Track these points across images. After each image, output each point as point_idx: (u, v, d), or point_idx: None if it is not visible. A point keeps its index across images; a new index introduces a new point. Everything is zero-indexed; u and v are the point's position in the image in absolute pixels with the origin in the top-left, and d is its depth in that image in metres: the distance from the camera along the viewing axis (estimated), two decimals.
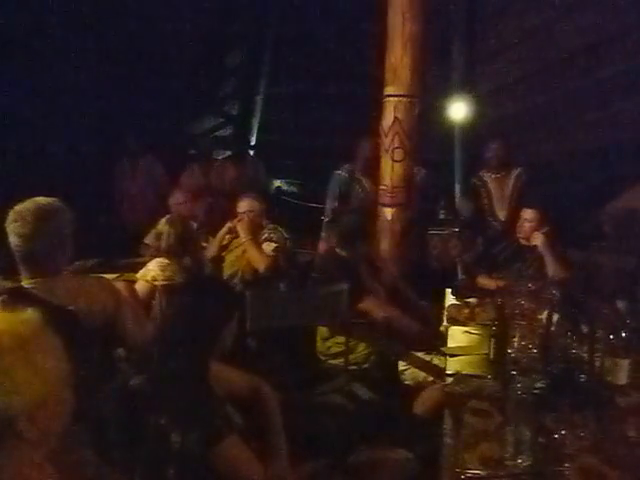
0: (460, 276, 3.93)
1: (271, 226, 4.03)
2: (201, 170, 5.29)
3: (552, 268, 3.65)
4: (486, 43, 6.05)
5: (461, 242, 4.61)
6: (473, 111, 5.81)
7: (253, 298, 3.11)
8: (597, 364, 2.14)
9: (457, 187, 6.20)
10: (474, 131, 6.05)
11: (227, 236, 4.03)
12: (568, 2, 5.18)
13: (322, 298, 3.24)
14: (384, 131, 3.70)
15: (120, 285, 2.63)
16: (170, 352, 1.78)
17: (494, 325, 2.44)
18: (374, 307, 3.15)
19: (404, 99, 3.63)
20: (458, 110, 5.80)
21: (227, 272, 4.04)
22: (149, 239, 3.51)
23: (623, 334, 2.18)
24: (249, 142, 7.14)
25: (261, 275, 3.96)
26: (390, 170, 3.70)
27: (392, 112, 3.65)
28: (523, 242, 3.89)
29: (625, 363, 2.12)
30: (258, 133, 7.24)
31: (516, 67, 5.79)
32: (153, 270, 3.15)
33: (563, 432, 1.60)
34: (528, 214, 3.84)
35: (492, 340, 2.39)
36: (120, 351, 2.39)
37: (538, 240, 3.74)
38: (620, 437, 1.79)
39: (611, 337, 2.16)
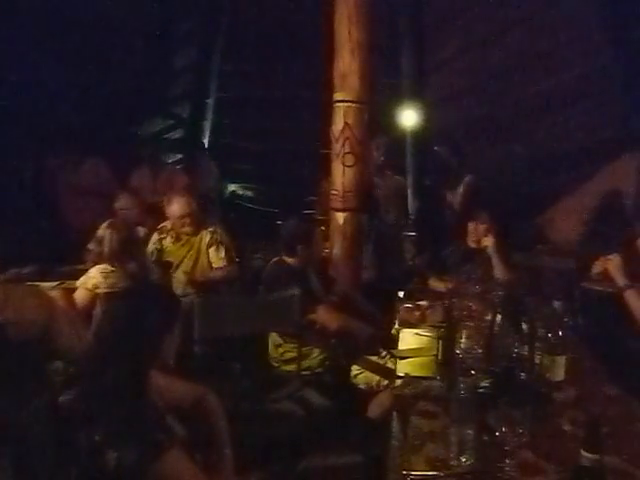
0: (412, 278, 4.03)
1: (211, 229, 4.02)
2: (150, 173, 5.23)
3: (499, 270, 3.78)
4: (434, 52, 6.23)
5: (416, 245, 4.75)
6: (423, 118, 6.00)
7: (202, 304, 3.11)
8: (537, 362, 2.24)
9: (409, 191, 6.35)
10: (424, 137, 6.24)
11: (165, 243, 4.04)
12: (514, 14, 5.38)
13: (273, 304, 3.26)
14: (335, 136, 3.76)
15: (56, 294, 2.58)
16: (108, 363, 1.73)
17: (443, 327, 2.52)
18: (325, 316, 3.19)
19: (354, 105, 3.70)
20: (408, 117, 5.98)
21: (176, 278, 4.04)
22: (92, 244, 3.46)
23: (560, 332, 2.29)
24: (200, 145, 7.10)
25: (212, 281, 3.98)
26: (341, 175, 3.76)
27: (342, 117, 3.72)
28: (472, 245, 4.02)
29: (562, 360, 2.23)
30: (210, 136, 7.22)
31: (463, 76, 5.98)
32: (94, 277, 3.10)
33: (504, 429, 1.67)
34: (478, 218, 3.97)
35: (440, 342, 2.47)
36: (58, 365, 2.33)
37: (488, 243, 3.87)
38: (557, 431, 1.89)
39: (549, 335, 2.27)
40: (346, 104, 3.71)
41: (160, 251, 4.04)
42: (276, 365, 3.32)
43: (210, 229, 4.02)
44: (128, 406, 1.64)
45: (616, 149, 5.04)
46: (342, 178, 3.77)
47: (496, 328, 2.43)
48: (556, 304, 2.49)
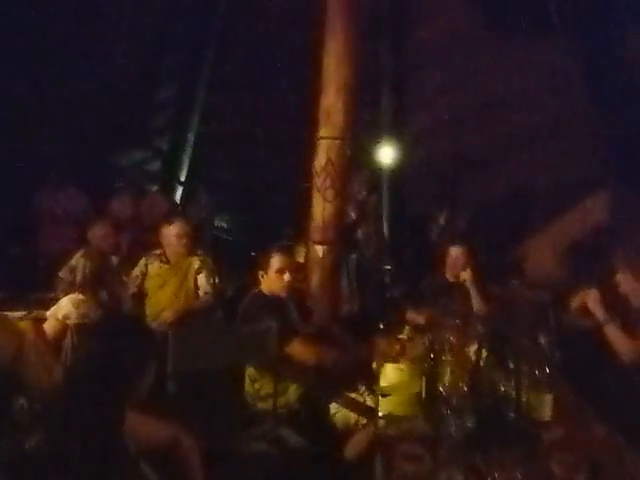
0: (391, 311, 3.95)
1: (201, 256, 4.05)
2: (127, 203, 5.16)
3: (477, 304, 3.72)
4: (414, 91, 6.30)
5: (393, 278, 4.68)
6: (401, 154, 6.02)
7: (176, 338, 2.96)
8: (523, 400, 2.15)
9: (387, 225, 6.32)
10: (402, 173, 6.26)
11: (151, 267, 3.96)
12: (490, 56, 5.48)
13: (249, 336, 3.13)
14: (317, 171, 3.74)
15: (25, 325, 2.42)
16: (80, 402, 1.57)
17: (425, 362, 2.42)
18: (302, 350, 3.06)
19: (336, 141, 3.69)
20: (387, 153, 6.01)
21: (151, 310, 3.89)
22: (63, 273, 3.30)
23: (547, 369, 2.20)
24: (178, 177, 7.00)
25: (188, 313, 3.85)
26: (322, 209, 3.72)
27: (325, 153, 3.70)
28: (450, 278, 3.96)
29: (549, 398, 2.14)
30: (188, 168, 7.12)
31: (442, 114, 6.05)
32: (65, 307, 2.94)
33: (496, 475, 1.56)
34: (456, 251, 3.92)
35: (423, 378, 2.36)
36: (22, 402, 2.14)
37: (466, 276, 3.81)
38: (546, 474, 1.78)
39: (536, 372, 2.18)
40: (329, 140, 3.69)
41: (145, 276, 4.00)
42: (251, 402, 3.16)
43: (200, 256, 4.05)
44: (100, 453, 1.48)
45: (590, 185, 5.10)
46: (322, 212, 3.73)
47: (481, 364, 2.34)
48: (541, 339, 2.41)
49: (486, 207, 5.70)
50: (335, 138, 3.70)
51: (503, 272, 5.03)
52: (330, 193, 3.71)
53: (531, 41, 5.10)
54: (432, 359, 2.44)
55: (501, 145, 5.67)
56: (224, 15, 6.54)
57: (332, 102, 3.68)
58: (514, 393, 2.17)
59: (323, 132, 3.74)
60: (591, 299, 3.09)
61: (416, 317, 3.70)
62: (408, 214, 6.37)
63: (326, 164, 3.69)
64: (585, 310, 3.12)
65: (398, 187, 6.49)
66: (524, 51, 5.23)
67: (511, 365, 2.25)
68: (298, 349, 3.04)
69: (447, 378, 2.32)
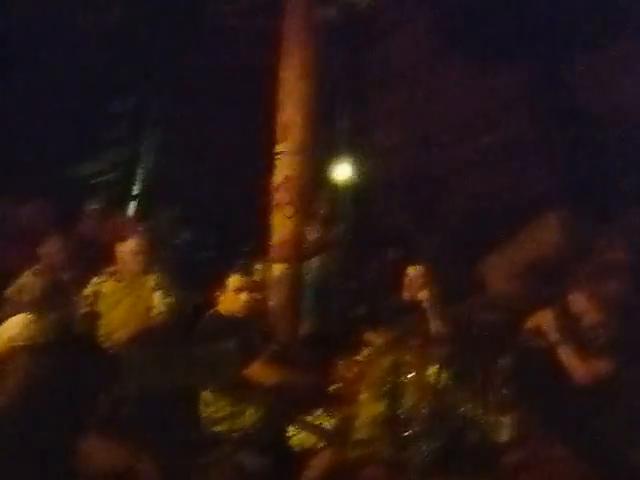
0: (350, 332, 3.92)
1: (157, 273, 3.94)
2: (79, 217, 5.01)
3: (436, 324, 3.72)
4: (373, 108, 6.38)
5: (354, 297, 4.67)
6: (361, 171, 6.08)
7: (131, 359, 2.88)
8: (484, 422, 2.16)
9: (346, 243, 6.33)
10: (362, 190, 6.31)
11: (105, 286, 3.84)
12: (447, 76, 5.61)
13: (206, 357, 3.06)
14: (275, 187, 3.69)
15: None
16: (30, 428, 1.48)
17: (385, 384, 2.41)
18: (261, 371, 3.01)
19: (295, 157, 3.67)
20: (346, 170, 6.06)
21: (104, 330, 3.77)
22: (11, 292, 3.15)
23: (504, 391, 2.23)
24: (133, 191, 6.85)
25: (143, 333, 3.74)
26: (281, 226, 3.68)
27: (283, 168, 3.68)
28: (408, 298, 3.97)
29: (507, 420, 2.16)
30: (144, 182, 6.98)
31: (399, 133, 6.14)
32: (12, 328, 2.80)
33: None
34: (414, 271, 3.94)
35: (384, 400, 2.34)
36: None
37: (424, 297, 3.83)
38: None
39: (494, 394, 2.20)
40: (287, 155, 3.67)
41: (97, 295, 3.85)
42: (207, 425, 3.08)
43: (156, 274, 3.94)
44: (54, 477, 1.43)
45: (543, 206, 5.24)
46: (281, 229, 3.68)
47: (441, 386, 2.35)
48: (500, 361, 2.44)
49: (446, 226, 5.78)
50: (294, 153, 3.68)
51: (462, 292, 5.11)
52: (289, 209, 3.68)
53: (487, 64, 5.24)
54: (391, 381, 2.44)
55: (458, 165, 5.78)
56: (181, 26, 6.49)
57: (290, 117, 3.67)
58: (475, 415, 2.17)
59: (281, 147, 3.72)
60: (545, 320, 3.15)
61: (375, 338, 3.69)
62: (369, 232, 6.39)
63: (285, 180, 3.67)
64: (540, 331, 3.18)
65: (359, 205, 6.53)
66: (480, 73, 5.37)
67: (471, 387, 2.26)
68: (257, 371, 3.00)
69: (407, 401, 2.31)
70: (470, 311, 4.90)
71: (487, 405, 2.16)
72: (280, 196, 3.66)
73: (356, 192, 6.31)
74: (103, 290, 3.87)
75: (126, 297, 3.86)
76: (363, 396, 2.72)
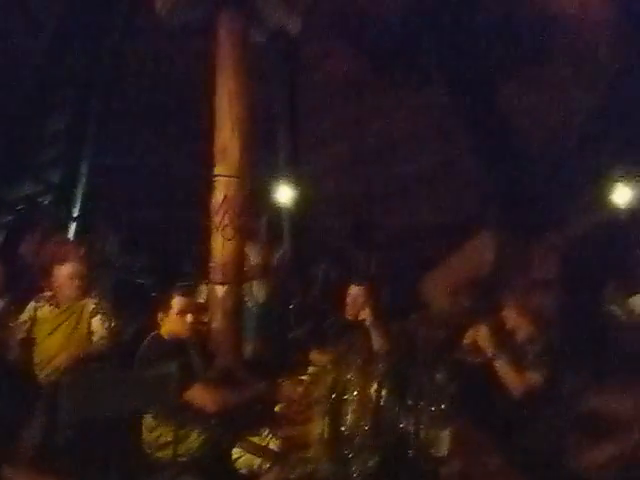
0: (294, 351, 3.95)
1: (97, 298, 3.86)
2: (15, 240, 4.84)
3: (378, 342, 3.80)
4: (309, 131, 6.50)
5: (295, 316, 4.69)
6: (300, 193, 6.16)
7: (68, 387, 2.78)
8: (422, 436, 2.22)
9: (289, 264, 6.36)
10: (301, 212, 6.39)
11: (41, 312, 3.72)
12: (381, 102, 5.80)
13: (148, 382, 3.01)
14: (214, 209, 3.70)
15: None
16: None
17: (328, 402, 2.43)
18: (203, 394, 2.98)
19: (233, 179, 3.69)
20: (285, 192, 6.13)
21: (40, 357, 3.64)
22: None
23: (442, 405, 2.30)
24: (71, 212, 6.67)
25: (81, 360, 3.64)
26: (221, 248, 3.68)
27: (222, 191, 3.68)
28: (351, 317, 4.03)
29: (445, 433, 2.23)
30: (82, 204, 6.81)
31: (337, 154, 6.28)
32: None
33: None
34: (356, 290, 4.01)
35: (325, 418, 2.37)
36: None
37: (365, 315, 3.90)
38: None
39: (432, 408, 2.27)
40: (226, 178, 3.69)
41: (34, 321, 3.72)
42: (149, 452, 3.02)
43: (95, 298, 3.86)
44: None
45: (476, 225, 5.45)
46: (222, 251, 3.68)
47: (381, 402, 2.39)
48: (438, 376, 2.51)
49: (385, 244, 5.92)
50: (231, 176, 3.70)
51: (406, 309, 5.23)
52: (229, 231, 3.68)
53: (416, 89, 5.46)
54: (334, 399, 2.47)
55: (394, 185, 5.95)
56: (115, 45, 6.42)
57: (227, 140, 3.70)
58: (413, 430, 2.23)
59: (219, 169, 3.74)
60: (481, 335, 3.29)
61: (319, 357, 3.72)
62: (310, 253, 6.48)
63: (223, 202, 3.68)
64: (476, 346, 3.31)
65: (299, 226, 6.61)
66: (411, 98, 5.58)
67: (409, 402, 2.32)
68: (199, 394, 2.96)
69: (349, 417, 2.35)
70: (412, 328, 5.04)
71: (425, 419, 2.21)
72: (219, 218, 3.66)
73: (296, 213, 6.38)
74: (39, 316, 3.75)
75: (63, 323, 3.75)
76: (306, 415, 2.74)
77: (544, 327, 3.33)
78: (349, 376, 2.96)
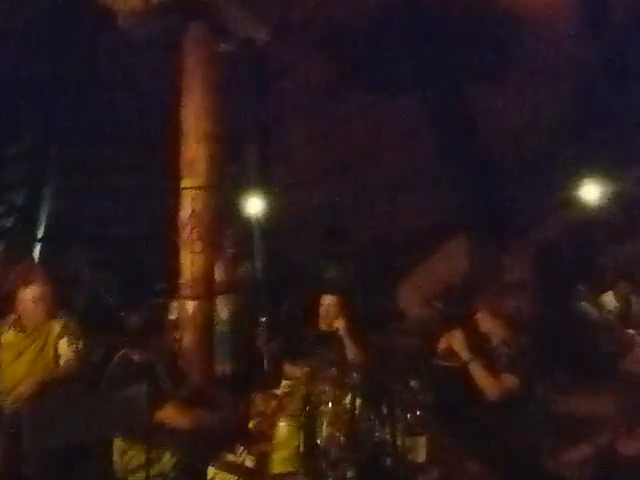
0: (267, 365, 3.89)
1: (64, 319, 3.73)
2: None
3: (352, 352, 3.76)
4: (277, 143, 6.48)
5: (268, 330, 4.62)
6: (269, 206, 6.10)
7: (33, 414, 2.68)
8: (399, 444, 2.18)
9: (259, 277, 6.30)
10: (271, 224, 6.33)
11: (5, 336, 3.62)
12: (347, 113, 5.81)
13: (116, 404, 2.90)
14: (182, 223, 3.62)
15: None
16: None
17: (302, 415, 2.38)
18: (175, 414, 2.89)
19: (201, 191, 3.60)
20: (254, 205, 6.06)
21: (5, 384, 3.54)
22: None
23: (418, 412, 2.27)
24: (35, 234, 6.50)
25: (48, 384, 3.51)
26: (190, 262, 3.58)
27: (189, 204, 3.60)
28: (324, 328, 3.99)
29: (422, 440, 2.20)
30: (47, 225, 6.65)
31: (305, 166, 6.26)
32: None
33: None
34: (328, 300, 3.97)
35: (301, 432, 2.32)
36: None
37: (339, 325, 3.86)
38: None
39: (408, 416, 2.24)
40: (193, 190, 3.60)
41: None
42: (121, 477, 2.91)
43: (62, 320, 3.72)
44: None
45: (449, 232, 5.47)
46: (191, 265, 3.59)
47: (356, 412, 2.35)
48: (413, 383, 2.48)
49: (357, 254, 5.90)
50: (199, 188, 3.61)
51: (379, 319, 5.21)
52: (198, 245, 3.59)
53: (384, 96, 5.47)
54: (308, 412, 2.42)
55: (364, 195, 5.95)
56: (80, 64, 6.30)
57: (194, 152, 3.62)
58: (390, 439, 2.19)
59: (186, 182, 3.65)
60: (456, 340, 3.27)
61: (293, 370, 3.67)
62: (282, 265, 6.41)
63: (191, 215, 3.59)
64: (451, 351, 3.29)
65: (270, 239, 6.54)
66: (379, 105, 5.60)
67: (385, 411, 2.29)
68: (171, 414, 2.87)
69: (325, 430, 2.30)
70: (389, 337, 5.02)
71: (401, 427, 2.18)
72: (187, 232, 3.59)
73: (266, 226, 6.33)
74: (3, 341, 3.64)
75: (29, 347, 3.63)
76: (281, 430, 2.67)
77: (518, 330, 3.33)
78: (325, 388, 2.93)
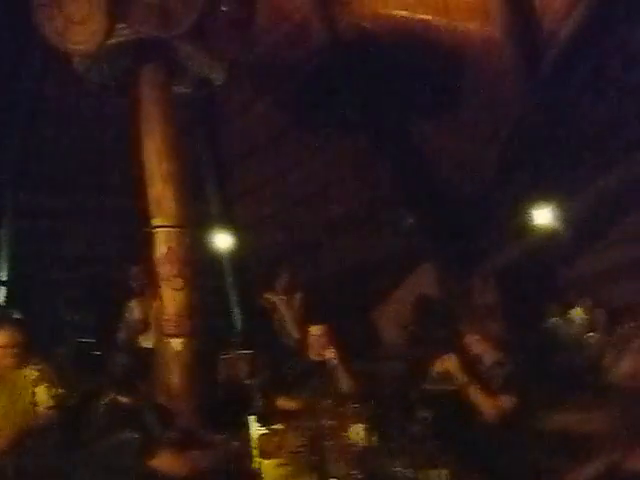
0: (258, 400, 3.67)
1: (39, 365, 3.41)
2: None
3: (345, 382, 3.61)
4: (236, 183, 6.41)
5: (251, 364, 4.40)
6: (236, 241, 5.99)
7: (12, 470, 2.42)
8: (417, 477, 2.05)
9: (236, 310, 6.12)
10: (241, 257, 6.20)
11: None
12: (301, 152, 5.79)
13: (105, 454, 2.65)
14: (159, 261, 3.52)
15: None
16: None
17: (309, 453, 2.21)
18: (170, 461, 2.67)
19: (173, 229, 3.56)
20: (222, 240, 5.97)
21: None
22: None
23: (430, 443, 2.15)
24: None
25: (25, 436, 3.20)
26: (172, 300, 3.46)
27: (164, 242, 3.53)
28: (315, 358, 3.83)
29: (444, 473, 2.06)
30: (9, 267, 6.24)
31: (266, 204, 6.21)
32: None
33: None
34: (316, 330, 3.82)
35: (313, 473, 2.14)
36: None
37: (330, 354, 3.71)
38: None
39: (420, 447, 2.11)
40: (166, 229, 3.55)
41: None
42: None
43: (37, 365, 3.40)
44: None
45: (413, 261, 5.47)
46: (173, 302, 3.46)
47: (368, 445, 2.21)
48: (424, 414, 2.35)
49: (324, 289, 5.81)
50: (172, 226, 3.56)
51: (358, 347, 5.07)
52: (178, 282, 3.48)
53: (338, 135, 5.49)
54: (316, 449, 2.25)
55: (326, 229, 5.93)
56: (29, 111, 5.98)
57: (160, 192, 3.58)
58: (406, 471, 2.05)
59: (157, 221, 3.59)
60: (451, 364, 3.17)
61: (287, 403, 3.49)
62: (254, 299, 6.21)
63: (168, 253, 3.51)
64: (447, 375, 3.18)
65: (240, 273, 6.40)
66: (331, 144, 5.61)
67: (396, 443, 2.15)
68: (165, 461, 2.64)
69: (337, 468, 2.14)
70: (370, 364, 4.89)
71: (416, 459, 2.04)
72: (166, 269, 3.47)
73: (237, 261, 6.23)
74: None
75: (2, 397, 3.30)
76: (288, 471, 2.48)
77: (503, 350, 3.27)
78: (325, 421, 2.77)
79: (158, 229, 3.57)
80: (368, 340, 5.47)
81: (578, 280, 5.75)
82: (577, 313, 5.39)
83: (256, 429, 2.99)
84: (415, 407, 2.53)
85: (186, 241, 3.60)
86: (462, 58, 4.80)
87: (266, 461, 2.60)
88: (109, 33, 3.31)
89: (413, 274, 5.84)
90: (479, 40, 4.64)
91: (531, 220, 5.03)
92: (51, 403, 3.32)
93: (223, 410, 3.88)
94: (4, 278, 6.12)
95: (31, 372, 3.37)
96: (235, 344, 5.19)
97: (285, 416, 3.18)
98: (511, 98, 4.77)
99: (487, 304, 5.50)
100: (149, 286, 3.80)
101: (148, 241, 3.62)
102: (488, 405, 3.02)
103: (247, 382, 4.40)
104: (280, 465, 2.53)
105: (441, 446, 2.16)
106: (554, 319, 5.37)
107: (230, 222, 6.32)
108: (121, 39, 3.40)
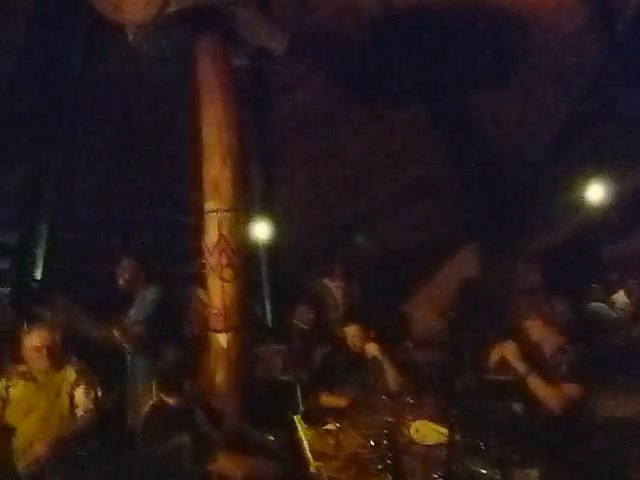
0: (300, 398, 3.41)
1: (77, 365, 3.22)
2: None
3: (393, 377, 3.34)
4: (280, 166, 6.03)
5: (293, 358, 4.15)
6: (275, 228, 5.66)
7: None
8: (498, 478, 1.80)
9: (267, 303, 5.86)
10: (278, 247, 5.88)
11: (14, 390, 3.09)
12: (348, 128, 5.42)
13: (158, 459, 2.44)
14: (209, 249, 3.16)
15: None
16: None
17: (388, 458, 1.97)
18: (228, 464, 2.45)
19: (228, 214, 3.15)
20: (261, 227, 5.61)
21: (19, 443, 2.99)
22: None
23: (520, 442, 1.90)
24: (32, 275, 5.87)
25: (65, 441, 2.99)
26: (220, 291, 3.12)
27: (216, 228, 3.14)
28: (355, 349, 3.58)
29: (534, 474, 1.82)
30: (45, 264, 6.01)
31: (310, 185, 5.84)
32: None
33: None
34: (352, 330, 3.59)
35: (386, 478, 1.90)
36: None
37: (374, 350, 3.46)
38: None
39: (512, 450, 1.86)
40: (220, 213, 3.15)
41: (6, 402, 3.08)
42: None
43: (76, 366, 3.21)
44: None
45: (457, 243, 5.16)
46: (221, 294, 3.12)
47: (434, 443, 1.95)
48: (517, 407, 2.10)
49: (366, 273, 5.51)
50: (226, 210, 3.15)
51: (393, 336, 4.80)
52: (228, 272, 3.13)
53: (390, 107, 5.11)
54: (390, 454, 2.00)
55: (371, 211, 5.59)
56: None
57: (218, 171, 3.16)
58: (488, 474, 1.81)
59: (211, 205, 3.18)
60: (510, 352, 2.90)
61: (334, 400, 3.23)
62: (291, 290, 5.92)
63: (219, 240, 3.13)
64: (505, 364, 2.92)
65: (278, 262, 6.06)
66: (385, 117, 5.24)
67: (482, 445, 1.90)
68: (225, 464, 2.42)
69: (409, 468, 1.90)
70: (407, 354, 4.62)
71: (509, 461, 1.79)
72: (215, 258, 3.13)
73: (275, 249, 5.86)
74: (12, 395, 3.10)
75: (41, 400, 3.10)
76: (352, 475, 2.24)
77: (571, 335, 2.99)
78: (385, 418, 2.53)
79: (211, 214, 3.19)
80: (403, 328, 5.19)
81: (622, 262, 5.44)
82: (619, 296, 5.10)
83: (305, 430, 2.78)
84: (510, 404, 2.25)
85: (241, 227, 3.27)
86: (527, 20, 4.46)
87: (324, 464, 2.36)
88: (165, 1, 3.01)
89: (455, 257, 5.54)
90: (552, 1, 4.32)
91: (582, 197, 4.72)
92: (90, 406, 3.13)
93: (265, 409, 3.67)
94: (39, 276, 5.90)
95: (70, 372, 3.19)
96: (268, 338, 4.97)
97: (334, 414, 2.93)
98: (581, 62, 4.44)
99: (530, 286, 5.21)
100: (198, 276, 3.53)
101: (200, 226, 3.30)
102: (552, 395, 2.75)
103: (283, 378, 4.16)
104: (342, 468, 2.29)
105: (532, 444, 1.90)
106: (596, 303, 5.08)
107: (271, 206, 5.94)
108: (177, 8, 3.03)
